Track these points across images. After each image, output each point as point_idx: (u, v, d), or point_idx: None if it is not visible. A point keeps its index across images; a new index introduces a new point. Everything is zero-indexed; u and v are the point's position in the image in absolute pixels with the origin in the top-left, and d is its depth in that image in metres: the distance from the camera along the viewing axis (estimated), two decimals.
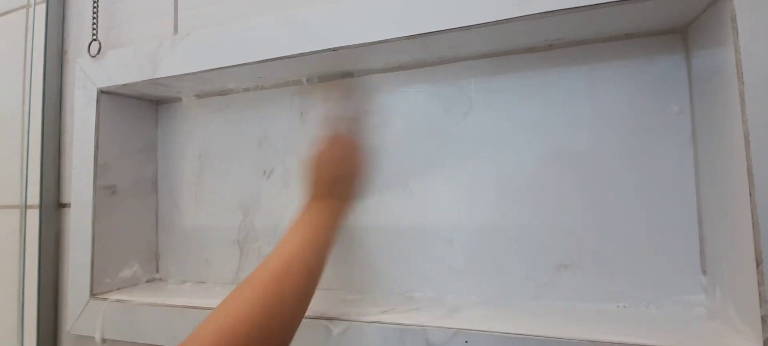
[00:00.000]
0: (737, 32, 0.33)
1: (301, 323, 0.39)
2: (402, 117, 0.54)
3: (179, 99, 0.67)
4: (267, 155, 0.61)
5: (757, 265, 0.32)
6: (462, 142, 0.51)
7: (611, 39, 0.45)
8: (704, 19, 0.39)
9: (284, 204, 0.60)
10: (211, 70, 0.53)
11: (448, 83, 0.52)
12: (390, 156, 0.54)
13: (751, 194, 0.32)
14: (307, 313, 0.46)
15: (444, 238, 0.52)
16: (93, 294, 0.59)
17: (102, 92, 0.60)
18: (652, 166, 0.44)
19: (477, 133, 0.51)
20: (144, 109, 0.67)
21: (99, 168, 0.60)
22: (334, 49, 0.46)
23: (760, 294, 0.32)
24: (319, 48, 0.46)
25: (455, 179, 0.51)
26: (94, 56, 0.60)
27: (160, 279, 0.68)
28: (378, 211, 0.55)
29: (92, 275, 0.59)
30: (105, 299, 0.58)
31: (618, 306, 0.44)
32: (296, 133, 0.60)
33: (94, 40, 0.60)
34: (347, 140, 0.50)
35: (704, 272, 0.42)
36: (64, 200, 0.68)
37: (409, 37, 0.43)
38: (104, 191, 0.61)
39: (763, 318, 0.32)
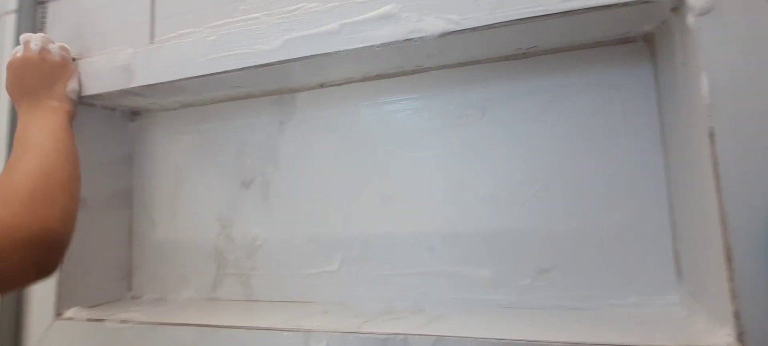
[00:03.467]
0: (700, 36, 0.35)
1: (279, 338, 0.41)
2: (380, 126, 0.54)
3: (155, 109, 0.65)
4: (246, 166, 0.60)
5: (728, 261, 0.33)
6: (441, 151, 0.52)
7: (581, 47, 0.47)
8: (667, 27, 0.41)
9: (263, 216, 0.59)
10: (190, 78, 0.52)
11: (430, 92, 0.53)
12: (368, 164, 0.54)
13: (718, 190, 0.33)
14: (284, 325, 0.45)
15: (425, 245, 0.51)
16: (58, 314, 0.56)
17: None
18: (625, 171, 0.45)
19: (455, 142, 0.51)
20: (118, 120, 0.66)
21: None
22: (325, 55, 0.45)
23: (730, 290, 0.32)
24: (301, 55, 0.46)
25: (435, 187, 0.51)
26: None
27: (133, 296, 0.65)
28: (357, 219, 0.54)
29: (58, 294, 0.56)
30: (71, 319, 0.55)
31: (596, 308, 0.45)
32: (276, 143, 0.59)
33: None
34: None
35: (679, 272, 0.43)
36: None
37: (385, 44, 0.44)
38: None
39: (735, 314, 0.32)
